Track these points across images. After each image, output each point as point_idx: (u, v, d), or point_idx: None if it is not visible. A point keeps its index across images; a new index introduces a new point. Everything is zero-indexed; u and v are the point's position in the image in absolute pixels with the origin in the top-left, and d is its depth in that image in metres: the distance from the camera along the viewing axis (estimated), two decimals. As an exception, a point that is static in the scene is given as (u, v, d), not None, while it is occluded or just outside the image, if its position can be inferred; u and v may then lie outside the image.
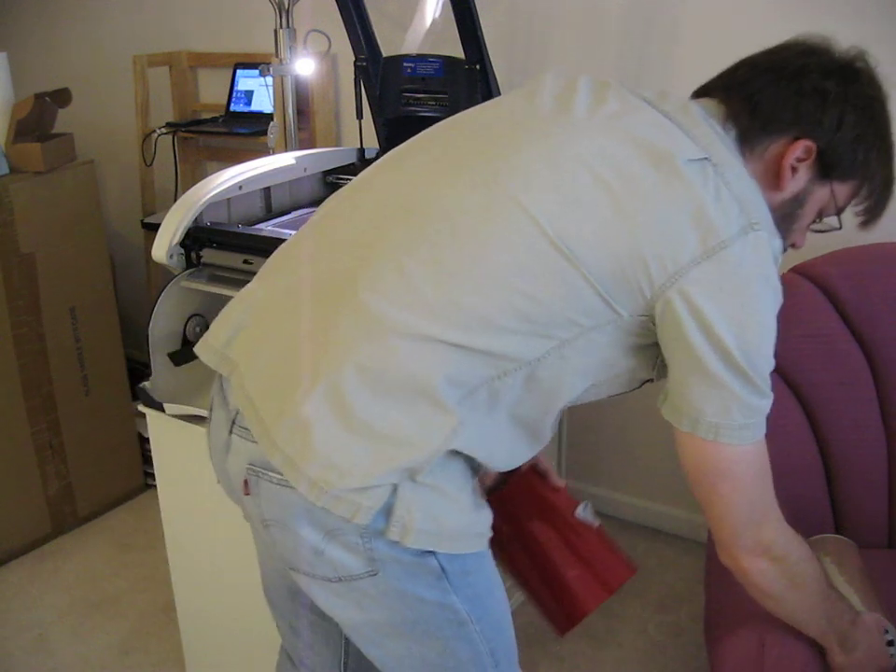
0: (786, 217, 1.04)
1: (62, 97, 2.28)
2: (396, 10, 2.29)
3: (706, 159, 0.94)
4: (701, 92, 1.08)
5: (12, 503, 2.31)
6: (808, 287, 1.64)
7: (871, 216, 1.09)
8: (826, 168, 1.01)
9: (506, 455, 1.06)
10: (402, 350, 0.90)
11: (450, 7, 1.71)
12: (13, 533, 2.33)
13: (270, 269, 1.07)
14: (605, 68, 2.10)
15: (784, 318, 1.63)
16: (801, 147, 0.99)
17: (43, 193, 2.23)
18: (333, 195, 1.10)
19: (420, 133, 1.09)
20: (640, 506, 2.41)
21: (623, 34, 2.06)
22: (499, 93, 1.79)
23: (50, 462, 2.36)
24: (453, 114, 1.87)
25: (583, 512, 1.21)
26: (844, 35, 1.85)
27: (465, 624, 1.03)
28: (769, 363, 0.96)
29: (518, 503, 1.23)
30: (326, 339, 0.93)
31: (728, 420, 0.98)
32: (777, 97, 1.00)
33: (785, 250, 1.06)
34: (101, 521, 2.51)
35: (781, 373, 1.62)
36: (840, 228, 1.10)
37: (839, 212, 1.07)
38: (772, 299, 0.96)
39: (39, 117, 2.23)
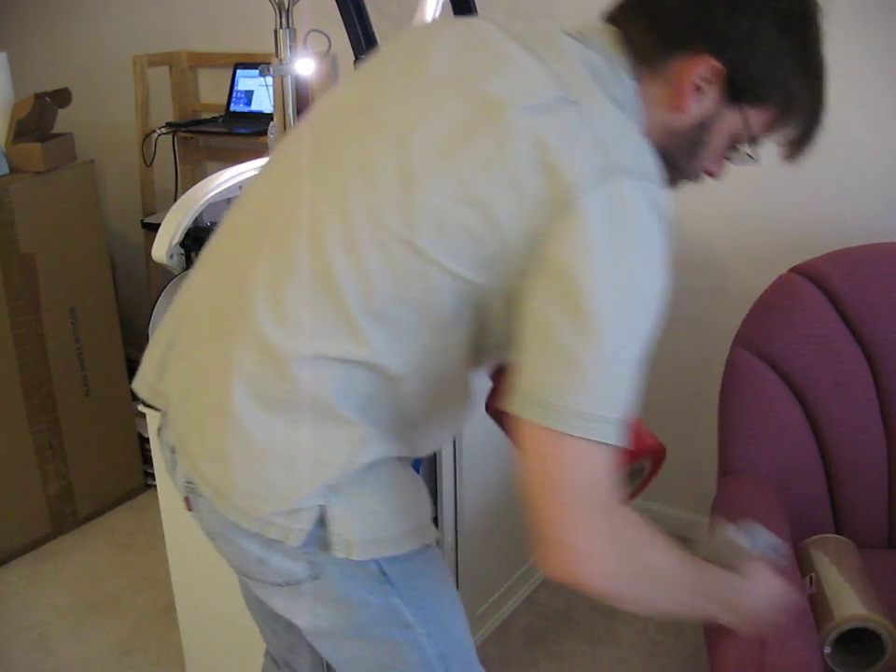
0: (693, 144, 0.94)
1: (62, 97, 2.28)
2: (396, 10, 2.29)
3: (563, 98, 0.84)
4: (605, 17, 0.99)
5: (12, 503, 2.31)
6: (808, 287, 1.64)
7: (794, 149, 0.98)
8: (736, 91, 0.90)
9: (430, 442, 1.03)
10: (293, 372, 0.89)
11: (450, 7, 1.70)
12: (13, 533, 2.33)
13: (182, 297, 1.07)
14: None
15: (784, 318, 1.64)
16: (703, 63, 0.88)
17: (43, 193, 2.23)
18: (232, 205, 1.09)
19: (300, 123, 1.03)
20: (640, 506, 2.41)
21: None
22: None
23: (50, 462, 2.36)
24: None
25: None
26: (844, 34, 1.85)
27: (410, 627, 1.00)
28: (634, 337, 0.84)
29: None
30: (226, 372, 0.92)
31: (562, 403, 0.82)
32: (681, 9, 0.89)
33: (697, 178, 1.00)
34: (101, 521, 2.51)
35: (781, 373, 1.62)
36: (757, 161, 1.00)
37: (754, 141, 0.97)
38: (645, 249, 0.87)
39: (39, 117, 2.23)
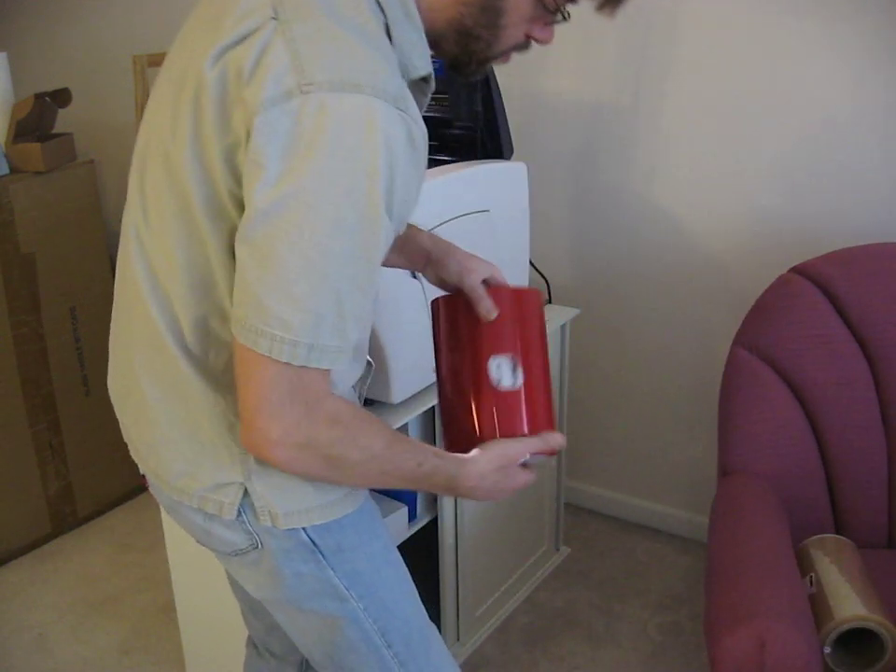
0: (486, 13, 0.91)
1: (62, 97, 2.28)
2: (396, 10, 2.29)
3: (269, 18, 0.83)
4: None
5: (12, 503, 2.31)
6: (808, 287, 1.64)
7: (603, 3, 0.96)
8: None
9: (340, 384, 1.02)
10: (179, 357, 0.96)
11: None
12: (13, 533, 2.33)
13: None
14: (605, 68, 2.10)
15: (784, 318, 1.64)
16: None
17: (43, 193, 2.23)
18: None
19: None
20: (640, 506, 2.41)
21: (622, 33, 2.06)
22: (499, 93, 1.79)
23: (50, 462, 2.36)
24: (453, 114, 1.89)
25: (496, 372, 1.08)
26: (844, 34, 1.86)
27: (346, 601, 1.03)
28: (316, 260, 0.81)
29: (451, 321, 1.14)
30: (132, 367, 1.01)
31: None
32: None
33: (517, 48, 0.98)
34: (101, 521, 2.51)
35: (781, 373, 1.62)
36: (567, 19, 0.99)
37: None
38: (327, 164, 0.80)
39: (39, 117, 2.23)
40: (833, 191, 1.91)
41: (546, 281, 2.15)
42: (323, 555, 1.01)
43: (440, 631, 1.94)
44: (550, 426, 1.09)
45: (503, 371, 1.08)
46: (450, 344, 1.13)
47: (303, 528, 0.99)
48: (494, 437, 1.05)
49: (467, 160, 1.79)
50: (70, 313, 2.34)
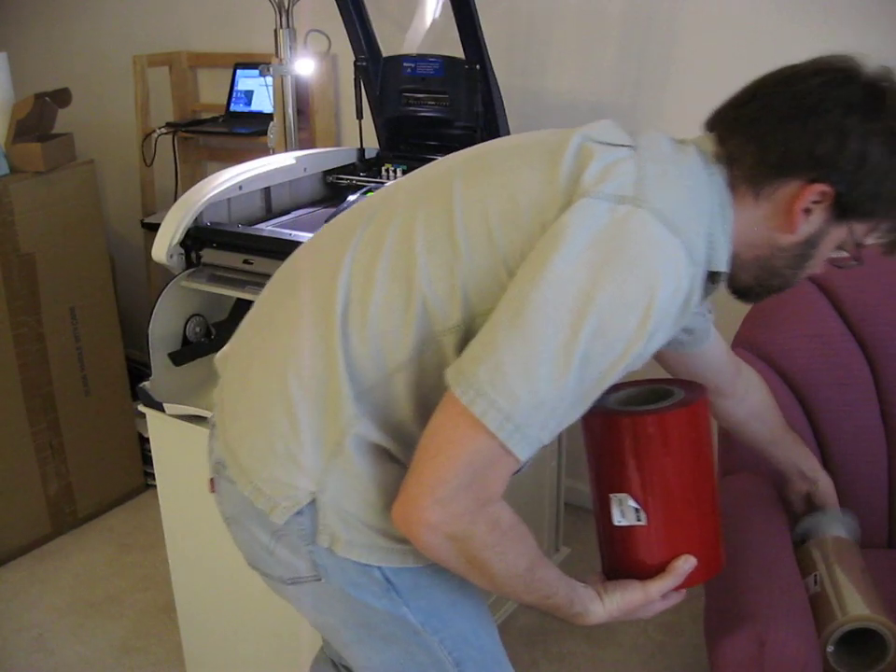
0: (798, 258, 0.98)
1: (62, 97, 2.28)
2: (396, 10, 2.29)
3: (630, 147, 0.94)
4: (708, 125, 1.01)
5: (12, 503, 2.31)
6: (808, 287, 1.64)
7: (893, 248, 1.03)
8: (843, 209, 0.94)
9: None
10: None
11: (450, 7, 1.71)
12: (13, 533, 2.33)
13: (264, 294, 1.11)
14: (605, 68, 2.10)
15: (784, 318, 1.64)
16: (815, 191, 0.91)
17: (43, 193, 2.23)
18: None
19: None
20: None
21: (622, 33, 2.06)
22: (499, 93, 1.79)
23: (50, 462, 2.36)
24: (453, 114, 1.89)
25: (617, 508, 1.03)
26: (843, 34, 1.86)
27: (419, 634, 1.01)
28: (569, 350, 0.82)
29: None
30: (251, 373, 1.01)
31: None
32: (790, 137, 0.91)
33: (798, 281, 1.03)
34: (101, 521, 2.51)
35: (781, 373, 1.62)
36: (862, 263, 1.04)
37: (859, 247, 1.01)
38: (624, 271, 0.83)
39: (39, 117, 2.23)
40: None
41: (546, 281, 2.15)
42: (398, 593, 0.98)
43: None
44: (701, 551, 1.04)
45: (623, 509, 1.03)
46: (588, 466, 1.10)
47: (379, 566, 0.96)
48: (616, 570, 1.04)
49: (467, 160, 1.79)
50: (70, 313, 2.34)
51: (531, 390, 0.82)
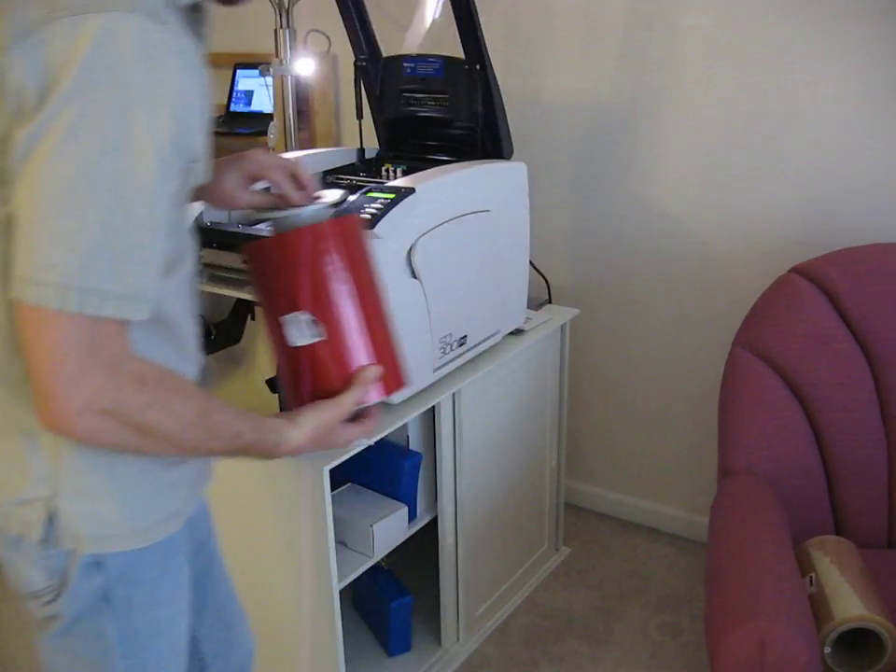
0: None
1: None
2: (396, 10, 2.29)
3: None
4: None
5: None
6: (808, 286, 1.64)
7: None
8: None
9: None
10: None
11: (450, 7, 1.71)
12: (13, 533, 2.32)
13: None
14: (605, 68, 2.10)
15: (784, 318, 1.64)
16: None
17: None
18: None
19: None
20: (640, 506, 2.41)
21: (622, 33, 2.06)
22: (499, 93, 1.79)
23: (50, 462, 2.36)
24: (453, 114, 1.89)
25: (290, 329, 1.00)
26: (845, 33, 1.86)
27: (109, 655, 0.97)
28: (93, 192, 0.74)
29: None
30: None
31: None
32: None
33: None
34: (101, 521, 2.50)
35: (781, 373, 1.62)
36: None
37: None
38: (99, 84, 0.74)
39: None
40: (834, 192, 1.91)
41: (546, 281, 2.16)
42: (110, 605, 0.95)
43: (439, 631, 1.94)
44: (382, 363, 1.01)
45: (300, 327, 0.99)
46: (259, 301, 1.06)
47: (101, 570, 0.93)
48: (307, 395, 1.00)
49: (467, 160, 1.79)
50: (70, 313, 2.34)
51: (66, 250, 0.75)
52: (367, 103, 1.97)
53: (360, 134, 1.97)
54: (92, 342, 0.78)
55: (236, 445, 0.90)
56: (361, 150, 1.99)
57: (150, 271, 0.80)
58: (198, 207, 1.58)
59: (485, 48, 1.73)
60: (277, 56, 2.23)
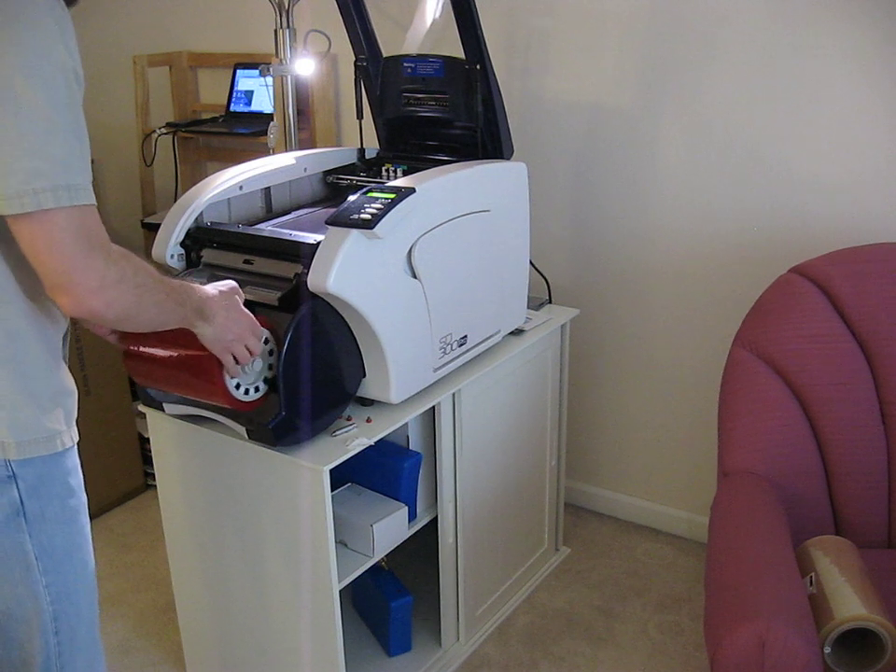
0: None
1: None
2: (396, 10, 2.29)
3: None
4: None
5: (12, 503, 2.31)
6: (808, 286, 1.64)
7: None
8: None
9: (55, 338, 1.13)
10: None
11: (450, 7, 1.71)
12: (13, 533, 2.33)
13: None
14: (605, 68, 2.10)
15: (784, 318, 1.64)
16: None
17: (43, 193, 2.23)
18: None
19: None
20: (640, 506, 2.41)
21: (623, 33, 2.06)
22: (499, 93, 1.79)
23: (50, 462, 2.36)
24: (453, 114, 1.89)
25: None
26: (844, 36, 1.86)
27: (31, 571, 1.07)
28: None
29: None
30: None
31: None
32: None
33: None
34: (101, 521, 2.50)
35: (781, 373, 1.62)
36: None
37: None
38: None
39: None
40: (833, 192, 1.92)
41: (546, 281, 2.16)
42: (26, 519, 1.05)
43: (439, 631, 1.95)
44: None
45: None
46: None
47: (16, 484, 1.04)
48: None
49: (467, 160, 1.79)
50: (70, 313, 2.34)
51: (46, 159, 0.91)
52: (367, 103, 1.97)
53: (360, 134, 1.97)
54: (85, 228, 0.95)
55: (183, 298, 1.11)
56: (361, 150, 1.99)
57: (87, 166, 0.98)
58: (198, 207, 1.58)
59: (485, 48, 1.73)
60: (277, 56, 2.23)
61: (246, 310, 1.27)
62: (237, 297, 1.25)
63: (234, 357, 1.25)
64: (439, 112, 1.88)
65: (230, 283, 1.25)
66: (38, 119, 0.91)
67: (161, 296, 1.06)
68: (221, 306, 1.20)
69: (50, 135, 0.92)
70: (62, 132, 0.93)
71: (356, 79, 1.94)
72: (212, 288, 1.20)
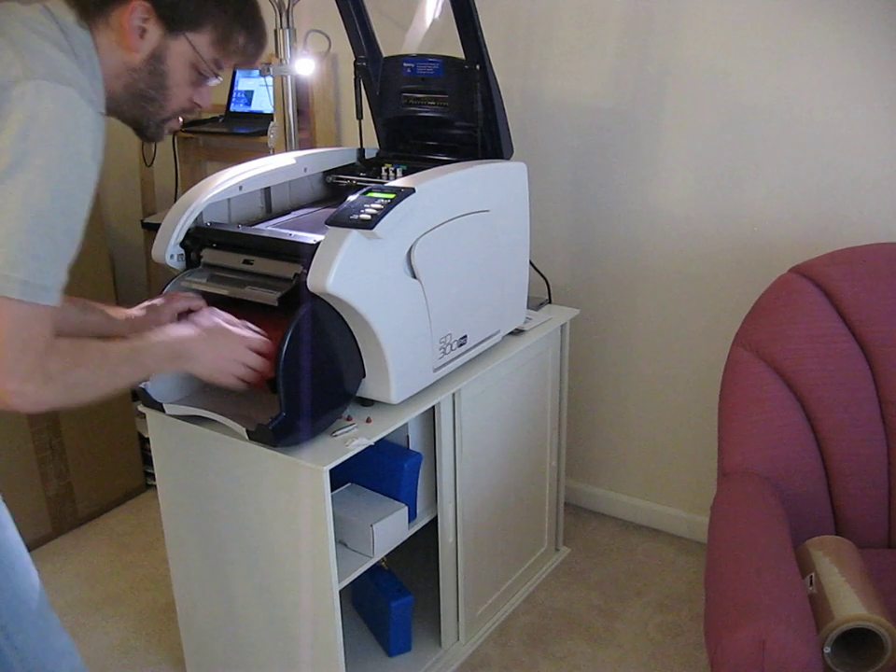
0: (153, 76, 1.12)
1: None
2: (396, 10, 2.29)
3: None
4: None
5: (12, 503, 2.29)
6: (808, 286, 1.64)
7: (248, 56, 1.20)
8: (169, 22, 1.10)
9: None
10: None
11: (450, 8, 1.71)
12: (13, 533, 2.33)
13: None
14: (605, 68, 2.10)
15: (784, 318, 1.64)
16: (137, 8, 1.07)
17: (43, 193, 2.23)
18: None
19: None
20: (640, 506, 2.41)
21: (623, 33, 2.06)
22: (499, 93, 1.79)
23: (50, 462, 2.36)
24: (453, 114, 1.89)
25: None
26: (844, 36, 1.86)
27: None
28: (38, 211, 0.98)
29: None
30: None
31: None
32: None
33: (184, 110, 1.18)
34: (101, 521, 2.51)
35: (781, 373, 1.62)
36: (219, 78, 1.20)
37: (216, 64, 1.17)
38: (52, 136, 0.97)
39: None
40: (833, 192, 1.91)
41: (546, 281, 2.16)
42: None
43: (439, 631, 1.94)
44: None
45: None
46: None
47: None
48: None
49: (467, 160, 1.79)
50: (70, 313, 2.34)
51: (29, 255, 0.97)
52: (367, 103, 1.97)
53: (360, 134, 1.97)
54: (29, 330, 0.99)
55: (142, 360, 1.17)
56: (361, 150, 1.99)
57: (65, 270, 1.07)
58: (198, 207, 1.58)
59: (485, 48, 1.73)
60: (277, 56, 2.23)
61: (232, 327, 1.32)
62: (217, 320, 1.30)
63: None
64: (438, 112, 1.88)
65: (204, 311, 1.31)
66: (41, 221, 0.99)
67: (105, 377, 1.11)
68: (201, 340, 1.25)
69: (41, 237, 0.99)
70: (51, 236, 1.01)
71: (355, 79, 1.94)
72: (187, 327, 1.26)
